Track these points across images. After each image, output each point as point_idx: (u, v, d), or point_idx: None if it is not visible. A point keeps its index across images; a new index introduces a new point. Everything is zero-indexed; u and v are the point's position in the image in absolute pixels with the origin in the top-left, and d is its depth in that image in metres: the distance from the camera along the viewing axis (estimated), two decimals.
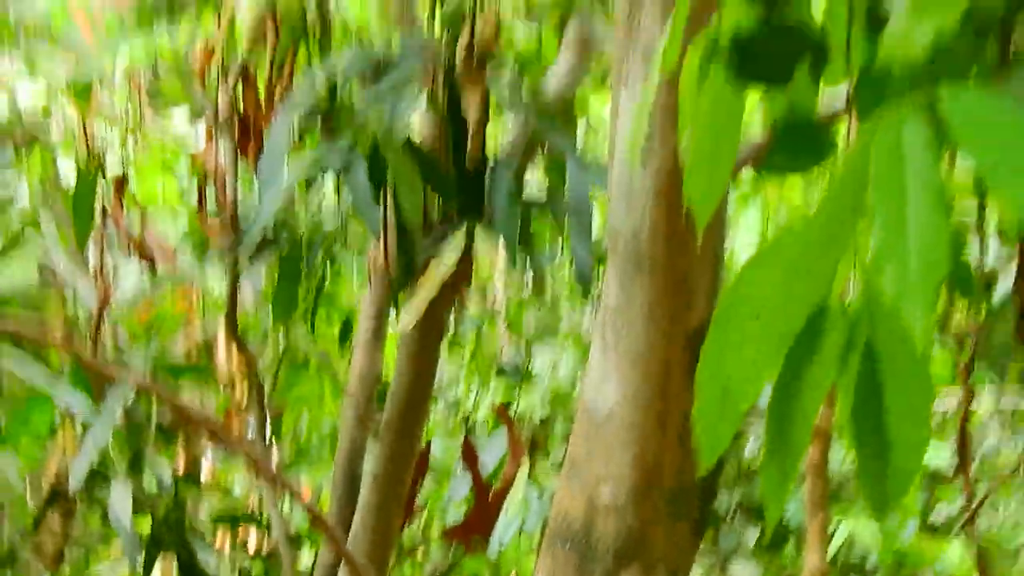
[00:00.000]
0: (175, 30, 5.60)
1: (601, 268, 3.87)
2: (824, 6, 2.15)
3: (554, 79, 5.39)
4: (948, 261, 1.71)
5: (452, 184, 4.71)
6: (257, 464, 5.39)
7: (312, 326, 6.48)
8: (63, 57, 7.22)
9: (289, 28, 4.82)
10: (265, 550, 7.25)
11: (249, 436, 6.21)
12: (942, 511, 9.07)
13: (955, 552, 8.32)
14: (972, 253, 4.96)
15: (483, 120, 4.72)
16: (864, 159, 1.79)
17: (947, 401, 7.33)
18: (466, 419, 8.91)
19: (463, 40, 4.67)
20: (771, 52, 2.10)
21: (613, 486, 3.47)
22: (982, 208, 4.78)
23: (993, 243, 5.53)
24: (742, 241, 7.03)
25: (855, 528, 8.21)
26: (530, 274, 6.23)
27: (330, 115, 4.73)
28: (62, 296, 6.31)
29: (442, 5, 4.79)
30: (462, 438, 6.57)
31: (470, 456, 5.96)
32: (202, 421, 5.45)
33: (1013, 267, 4.73)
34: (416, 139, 4.81)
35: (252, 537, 7.39)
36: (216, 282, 6.53)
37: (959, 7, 1.89)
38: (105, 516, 5.38)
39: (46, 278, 6.34)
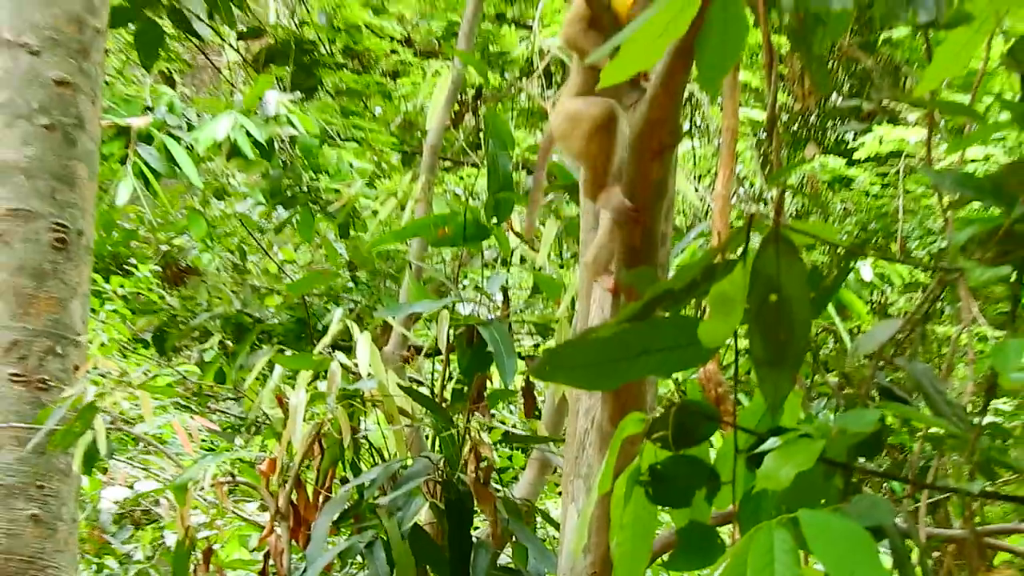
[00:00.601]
0: (249, 448, 5.62)
1: None
2: (717, 451, 2.16)
3: (520, 487, 5.40)
4: None
5: (446, 563, 4.64)
6: None
7: None
8: (168, 462, 7.21)
9: (331, 449, 4.84)
10: None
11: None
12: None
13: None
14: None
15: (496, 520, 4.71)
16: (744, 558, 1.79)
17: None
18: None
19: (471, 468, 4.70)
20: (678, 482, 2.09)
21: None
22: None
23: None
24: None
25: None
26: None
27: (359, 513, 4.71)
28: None
29: (438, 437, 4.82)
30: None
31: None
32: None
33: None
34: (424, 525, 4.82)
35: None
36: None
37: (814, 455, 1.90)
38: None
39: None
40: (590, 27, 2.95)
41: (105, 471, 7.25)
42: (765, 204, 9.99)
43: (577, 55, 3.09)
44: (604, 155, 2.93)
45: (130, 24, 7.68)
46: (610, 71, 1.79)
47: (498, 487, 4.98)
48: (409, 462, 4.77)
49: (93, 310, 8.09)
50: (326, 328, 5.36)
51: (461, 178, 10.60)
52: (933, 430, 2.42)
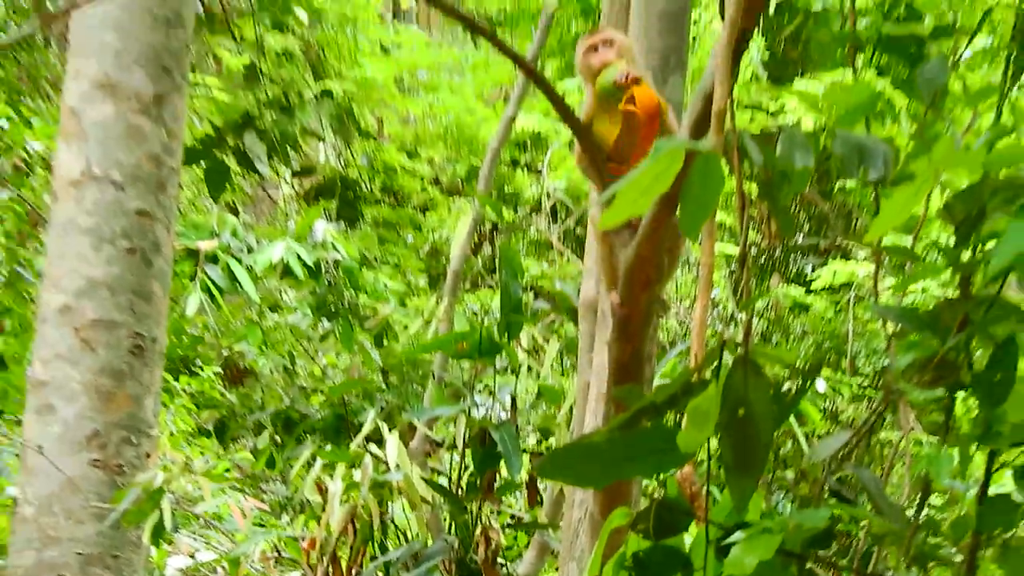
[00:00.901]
0: (293, 526, 5.58)
1: None
2: (691, 541, 2.15)
3: (524, 566, 5.35)
4: None
5: None
6: None
7: None
8: (224, 537, 7.15)
9: (362, 530, 4.81)
10: None
11: None
12: None
13: None
14: None
15: None
16: None
17: None
18: None
19: (481, 549, 4.67)
20: (657, 568, 2.07)
21: None
22: None
23: None
24: None
25: None
26: None
27: None
28: None
29: (454, 521, 4.78)
30: None
31: None
32: None
33: None
34: None
35: None
36: None
37: (773, 547, 1.89)
38: None
39: None
40: (591, 165, 2.99)
41: (170, 543, 7.19)
42: (736, 324, 9.99)
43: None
44: (608, 251, 2.99)
45: (201, 162, 7.80)
46: (607, 217, 1.81)
47: (503, 562, 4.94)
48: (429, 542, 4.74)
49: (164, 405, 8.10)
50: (362, 424, 5.35)
51: (478, 299, 10.63)
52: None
